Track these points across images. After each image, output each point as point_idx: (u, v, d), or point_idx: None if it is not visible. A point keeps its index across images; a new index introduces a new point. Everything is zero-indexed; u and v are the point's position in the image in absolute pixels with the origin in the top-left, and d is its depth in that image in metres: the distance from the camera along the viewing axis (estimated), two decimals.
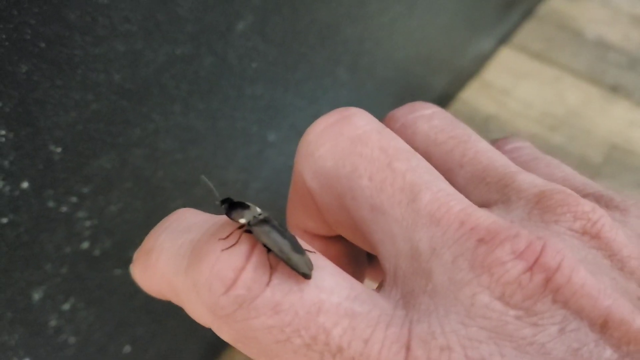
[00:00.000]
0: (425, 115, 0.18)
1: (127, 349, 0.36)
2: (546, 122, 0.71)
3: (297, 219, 0.17)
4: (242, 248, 0.13)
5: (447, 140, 0.17)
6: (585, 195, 0.16)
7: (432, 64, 0.58)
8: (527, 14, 0.80)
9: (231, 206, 0.14)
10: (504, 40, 0.77)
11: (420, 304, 0.12)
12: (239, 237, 0.13)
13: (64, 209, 0.27)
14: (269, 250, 0.13)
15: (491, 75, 0.75)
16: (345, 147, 0.14)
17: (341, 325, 0.12)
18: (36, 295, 0.28)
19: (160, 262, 0.14)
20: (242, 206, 0.14)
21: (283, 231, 0.13)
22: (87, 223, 0.28)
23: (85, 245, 0.29)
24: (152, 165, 0.30)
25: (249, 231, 0.13)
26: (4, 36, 0.21)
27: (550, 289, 0.12)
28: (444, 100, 0.68)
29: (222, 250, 0.13)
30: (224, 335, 0.13)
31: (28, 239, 0.26)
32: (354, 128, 0.15)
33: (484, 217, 0.13)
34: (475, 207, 0.13)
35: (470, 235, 0.12)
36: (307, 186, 0.15)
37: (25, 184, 0.25)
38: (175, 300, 0.15)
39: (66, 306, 0.30)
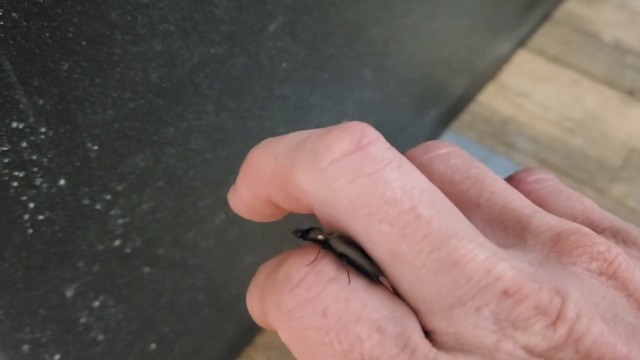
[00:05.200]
0: (441, 155, 0.18)
1: (153, 346, 0.36)
2: (564, 125, 0.70)
3: (269, 195, 0.16)
4: (312, 257, 0.15)
5: (463, 180, 0.17)
6: (602, 230, 0.16)
7: (452, 66, 0.58)
8: (545, 17, 0.80)
9: (305, 232, 0.16)
10: (521, 43, 0.77)
11: (446, 342, 0.13)
12: (319, 252, 0.15)
13: (98, 206, 0.27)
14: (345, 258, 0.15)
15: (509, 78, 0.75)
16: (365, 187, 0.14)
17: (373, 338, 0.13)
18: (68, 293, 0.29)
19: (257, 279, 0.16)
20: (314, 229, 0.16)
21: (351, 243, 0.15)
22: (120, 221, 0.29)
23: (117, 243, 0.29)
24: (184, 164, 0.30)
25: (325, 246, 0.15)
26: (47, 34, 0.21)
27: (573, 340, 0.12)
28: (462, 102, 0.68)
29: (296, 257, 0.15)
30: (282, 333, 0.15)
31: (63, 237, 0.26)
32: (373, 163, 0.14)
33: (508, 268, 0.13)
34: (498, 255, 0.13)
35: (495, 285, 0.13)
36: (306, 202, 0.15)
37: (62, 181, 0.25)
38: (264, 319, 0.16)
39: (96, 303, 0.30)
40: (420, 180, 0.14)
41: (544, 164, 0.67)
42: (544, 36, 0.80)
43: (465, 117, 0.70)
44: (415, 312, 0.14)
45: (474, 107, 0.71)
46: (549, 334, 0.12)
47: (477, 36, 0.60)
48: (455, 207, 0.14)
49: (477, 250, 0.13)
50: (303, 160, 0.15)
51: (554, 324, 0.12)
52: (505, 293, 0.13)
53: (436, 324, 0.13)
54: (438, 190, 0.14)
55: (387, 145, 0.15)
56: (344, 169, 0.14)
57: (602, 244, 0.14)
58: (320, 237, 0.15)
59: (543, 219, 0.15)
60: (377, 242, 0.14)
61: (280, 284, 0.14)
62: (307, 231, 0.16)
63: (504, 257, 0.13)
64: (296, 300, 0.14)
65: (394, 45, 0.43)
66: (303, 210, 0.16)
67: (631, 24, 0.84)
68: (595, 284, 0.14)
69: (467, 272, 0.13)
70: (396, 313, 0.14)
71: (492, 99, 0.72)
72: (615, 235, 0.16)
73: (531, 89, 0.74)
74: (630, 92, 0.75)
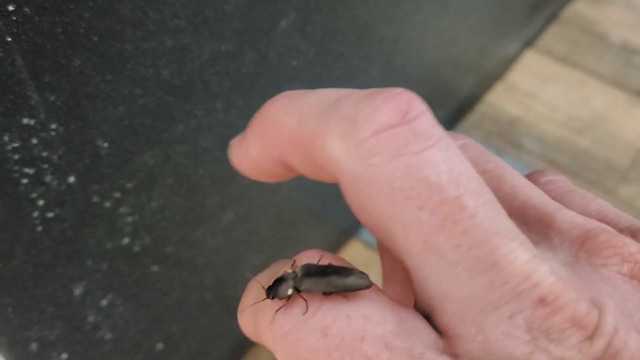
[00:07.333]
0: None
1: (160, 346, 0.36)
2: (572, 125, 0.70)
3: (284, 157, 0.15)
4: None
5: (481, 174, 0.16)
6: (620, 230, 0.16)
7: (460, 65, 0.58)
8: (552, 17, 0.80)
9: (272, 288, 0.14)
10: (529, 43, 0.76)
11: (471, 350, 0.12)
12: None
13: (107, 204, 0.27)
14: (326, 293, 0.14)
15: (516, 78, 0.74)
16: (408, 168, 0.12)
17: (382, 356, 0.12)
18: (77, 291, 0.28)
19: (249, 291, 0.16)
20: (279, 282, 0.14)
21: (323, 268, 0.14)
22: (129, 219, 0.28)
23: (126, 241, 0.29)
24: (193, 162, 0.30)
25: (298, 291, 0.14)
26: (59, 30, 0.21)
27: (610, 355, 0.12)
28: (470, 101, 0.68)
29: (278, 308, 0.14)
30: (279, 356, 0.14)
31: (72, 234, 0.26)
32: (420, 140, 0.13)
33: (548, 273, 0.12)
34: (538, 256, 0.12)
35: (533, 291, 0.12)
36: (333, 172, 0.14)
37: (72, 179, 0.25)
38: (256, 334, 0.15)
39: (104, 302, 0.30)
40: (466, 166, 0.13)
41: (551, 164, 0.67)
42: (552, 36, 0.79)
43: (472, 116, 0.70)
44: (438, 313, 0.13)
45: (481, 107, 0.70)
46: (585, 349, 0.12)
47: (484, 36, 0.60)
48: (497, 200, 0.13)
49: (519, 250, 0.12)
50: (337, 126, 0.13)
51: (591, 338, 0.12)
52: (542, 301, 0.12)
53: (464, 329, 0.12)
54: (482, 180, 0.13)
55: (435, 121, 0.13)
56: (387, 143, 0.12)
57: (632, 245, 0.13)
58: (290, 291, 0.14)
59: (567, 216, 0.14)
60: (412, 229, 0.12)
61: (271, 303, 0.14)
62: (276, 286, 0.14)
63: (543, 259, 0.12)
64: (291, 321, 0.13)
65: (403, 44, 0.43)
66: (325, 179, 0.15)
67: (639, 24, 0.83)
68: (628, 289, 0.13)
69: (505, 274, 0.12)
70: (403, 325, 0.13)
71: (499, 99, 0.71)
72: (634, 235, 0.15)
73: (538, 89, 0.73)
74: (638, 93, 0.74)
